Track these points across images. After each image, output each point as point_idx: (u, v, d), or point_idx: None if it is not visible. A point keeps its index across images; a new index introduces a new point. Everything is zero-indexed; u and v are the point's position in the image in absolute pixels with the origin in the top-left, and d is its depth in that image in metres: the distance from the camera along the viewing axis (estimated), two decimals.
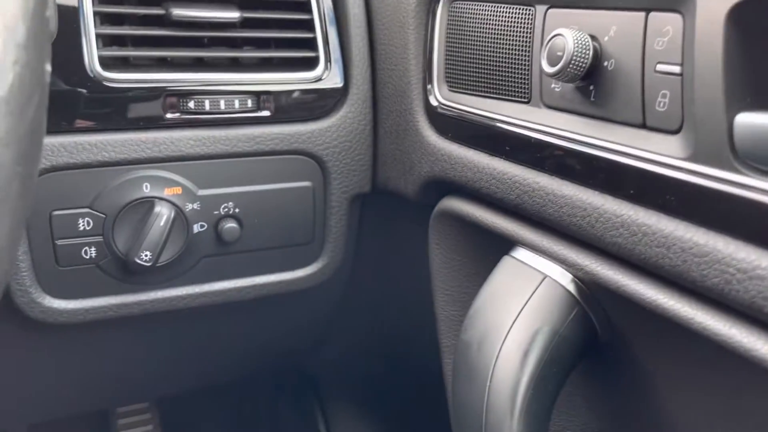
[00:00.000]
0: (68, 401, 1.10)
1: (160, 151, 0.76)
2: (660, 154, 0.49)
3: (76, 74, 0.71)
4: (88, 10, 0.72)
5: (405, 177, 0.82)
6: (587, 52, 0.53)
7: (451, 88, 0.75)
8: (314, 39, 0.83)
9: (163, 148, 0.76)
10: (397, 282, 1.08)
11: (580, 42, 0.53)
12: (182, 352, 1.04)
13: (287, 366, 1.37)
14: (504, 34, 0.65)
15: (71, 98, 0.72)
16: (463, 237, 0.77)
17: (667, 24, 0.49)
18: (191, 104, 0.77)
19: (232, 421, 1.50)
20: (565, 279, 0.61)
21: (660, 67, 0.49)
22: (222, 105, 0.79)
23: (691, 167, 0.47)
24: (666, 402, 0.60)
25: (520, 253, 0.65)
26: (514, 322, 0.61)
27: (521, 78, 0.64)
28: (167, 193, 0.77)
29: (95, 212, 0.75)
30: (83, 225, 0.74)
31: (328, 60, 0.84)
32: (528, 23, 0.62)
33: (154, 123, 0.76)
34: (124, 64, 0.75)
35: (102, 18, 0.74)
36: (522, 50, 0.63)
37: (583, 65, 0.53)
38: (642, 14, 0.50)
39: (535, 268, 0.63)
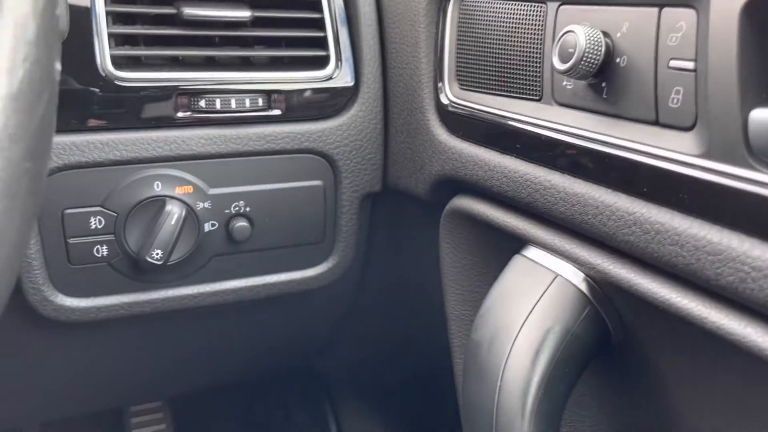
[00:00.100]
0: (80, 400, 1.10)
1: (171, 150, 0.76)
2: (673, 151, 0.49)
3: (88, 73, 0.72)
4: (101, 9, 0.72)
5: (416, 176, 0.82)
6: (599, 48, 0.53)
7: (462, 86, 0.74)
8: (325, 38, 0.83)
9: (174, 147, 0.76)
10: (407, 281, 1.08)
11: (592, 38, 0.53)
12: (193, 351, 1.04)
13: (298, 365, 1.37)
14: (515, 31, 0.64)
15: (83, 97, 0.72)
16: (473, 236, 0.77)
17: (680, 19, 0.48)
18: (202, 103, 0.77)
19: (243, 420, 1.50)
20: (577, 278, 0.60)
21: (673, 63, 0.48)
22: (233, 104, 0.79)
23: (705, 164, 0.46)
24: (679, 402, 0.59)
25: (532, 252, 0.65)
26: (525, 322, 0.61)
27: (533, 75, 0.63)
28: (178, 191, 0.77)
29: (107, 211, 0.75)
30: (95, 223, 0.75)
31: (338, 59, 0.84)
32: (540, 20, 0.61)
33: (166, 122, 0.76)
34: (135, 63, 0.76)
35: (114, 17, 0.74)
36: (533, 47, 0.62)
37: (595, 62, 0.53)
38: (655, 10, 0.50)
39: (546, 267, 0.62)
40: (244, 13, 0.78)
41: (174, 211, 0.75)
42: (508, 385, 0.60)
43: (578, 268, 0.60)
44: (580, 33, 0.53)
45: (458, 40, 0.74)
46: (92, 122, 0.73)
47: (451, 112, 0.75)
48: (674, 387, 0.59)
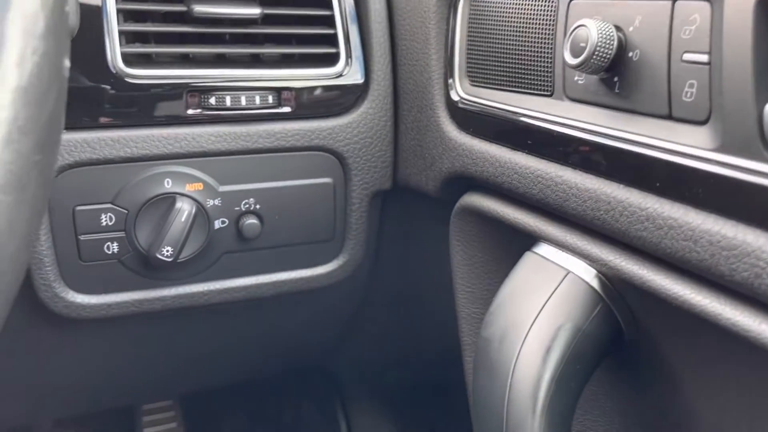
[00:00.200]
0: (91, 397, 1.11)
1: (181, 147, 0.76)
2: (687, 145, 0.48)
3: (99, 71, 0.72)
4: (111, 7, 0.72)
5: (426, 173, 0.82)
6: (611, 42, 0.52)
7: (473, 83, 0.74)
8: (335, 35, 0.83)
9: (185, 144, 0.77)
10: (417, 279, 1.07)
11: (604, 33, 0.52)
12: (203, 349, 1.04)
13: (309, 364, 1.37)
14: (526, 26, 0.64)
15: (94, 94, 0.72)
16: (484, 233, 0.76)
17: (694, 12, 0.47)
18: (212, 100, 0.77)
19: (254, 418, 1.50)
20: (589, 275, 0.59)
21: (687, 56, 0.48)
22: (243, 101, 0.79)
23: (720, 158, 0.46)
24: (693, 400, 0.59)
25: (543, 249, 0.64)
26: (536, 319, 0.60)
27: (544, 71, 0.63)
28: (188, 188, 0.77)
29: (117, 208, 0.75)
30: (106, 220, 0.75)
31: (348, 56, 0.84)
32: (551, 14, 0.61)
33: (176, 119, 0.76)
34: (146, 60, 0.76)
35: (125, 15, 0.74)
36: (545, 42, 0.62)
37: (607, 56, 0.52)
38: (668, 3, 0.49)
39: (557, 264, 0.62)
40: (255, 11, 0.78)
41: (184, 208, 0.75)
42: (518, 382, 0.59)
43: (590, 265, 0.59)
44: (592, 27, 0.52)
45: (469, 35, 0.73)
46: (103, 119, 0.74)
47: (462, 109, 0.75)
48: (688, 385, 0.58)
